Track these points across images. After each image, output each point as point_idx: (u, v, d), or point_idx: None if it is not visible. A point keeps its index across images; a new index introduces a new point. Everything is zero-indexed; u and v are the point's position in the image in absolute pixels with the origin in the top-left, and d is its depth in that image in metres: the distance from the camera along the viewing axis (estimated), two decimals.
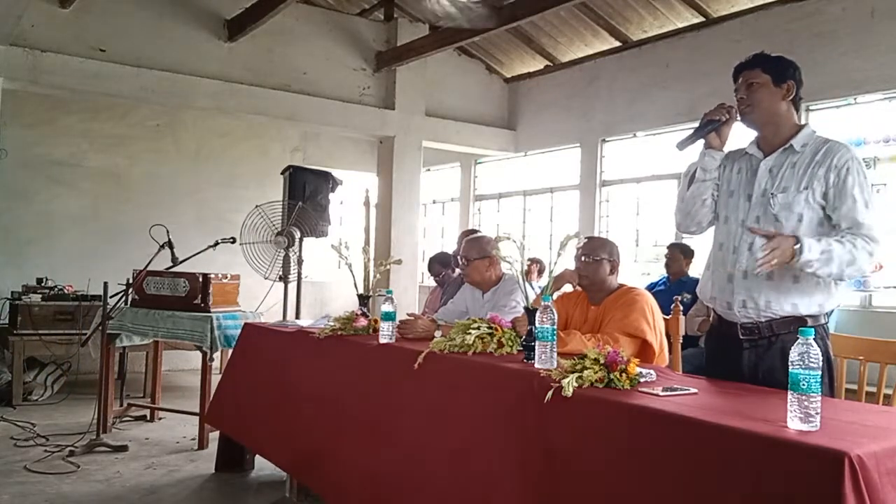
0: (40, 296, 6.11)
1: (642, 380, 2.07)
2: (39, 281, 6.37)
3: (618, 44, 6.77)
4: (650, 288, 5.29)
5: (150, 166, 7.66)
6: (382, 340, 3.04)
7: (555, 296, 2.97)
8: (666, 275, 5.71)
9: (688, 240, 5.74)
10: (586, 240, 3.17)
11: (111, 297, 4.75)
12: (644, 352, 2.80)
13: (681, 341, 3.18)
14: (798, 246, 2.11)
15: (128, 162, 7.56)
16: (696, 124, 2.49)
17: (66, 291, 6.27)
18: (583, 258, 3.05)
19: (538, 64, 7.61)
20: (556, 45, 7.23)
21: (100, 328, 4.81)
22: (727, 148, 2.50)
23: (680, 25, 6.24)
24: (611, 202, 7.02)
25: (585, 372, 2.02)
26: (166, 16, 5.88)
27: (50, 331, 5.92)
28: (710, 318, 2.61)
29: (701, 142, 2.48)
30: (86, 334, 4.91)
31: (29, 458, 4.33)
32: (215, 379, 4.57)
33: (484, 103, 7.86)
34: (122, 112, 7.38)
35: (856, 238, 2.18)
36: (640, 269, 6.72)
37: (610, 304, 2.99)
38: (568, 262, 2.91)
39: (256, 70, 6.24)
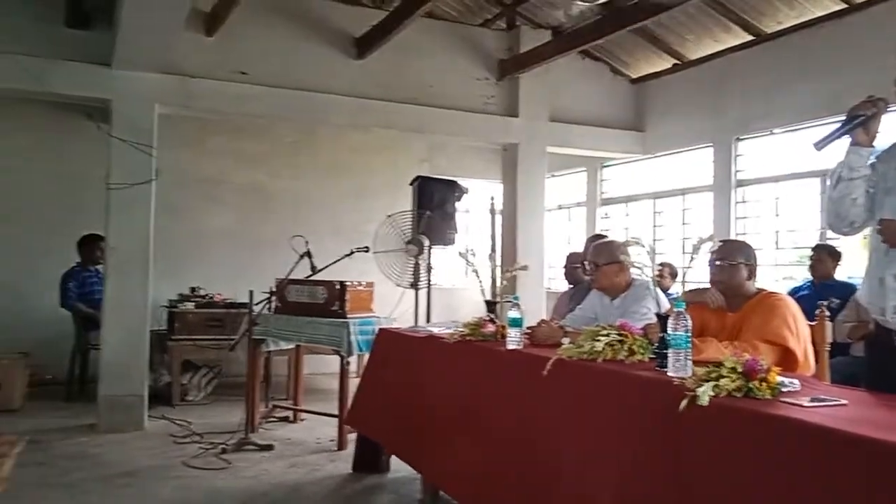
0: (193, 303, 6.63)
1: (785, 389, 1.97)
2: (193, 290, 6.91)
3: (750, 38, 6.46)
4: (793, 293, 5.01)
5: (288, 181, 8.14)
6: (510, 346, 3.06)
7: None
8: (810, 278, 5.39)
9: (834, 241, 5.40)
10: (721, 243, 3.06)
11: (256, 305, 5.09)
12: (786, 360, 2.66)
13: (828, 349, 2.98)
14: None
15: (268, 177, 8.06)
16: (839, 118, 2.35)
17: (216, 299, 6.76)
18: (718, 262, 2.95)
19: (665, 63, 7.40)
20: (684, 42, 7.00)
21: (246, 334, 5.15)
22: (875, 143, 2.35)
23: (819, 14, 5.88)
24: (747, 203, 6.69)
25: (722, 380, 1.94)
26: (301, 38, 6.22)
27: (203, 336, 6.40)
28: (871, 326, 2.45)
29: (844, 139, 2.34)
30: (234, 339, 5.27)
31: (186, 454, 4.70)
32: (353, 382, 4.78)
33: (609, 106, 7.72)
34: (262, 131, 7.89)
35: None
36: (780, 272, 6.37)
37: (748, 310, 2.87)
38: (701, 266, 2.82)
39: (385, 85, 6.47)
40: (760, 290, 2.96)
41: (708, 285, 3.06)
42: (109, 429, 5.26)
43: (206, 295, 6.86)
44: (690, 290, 2.93)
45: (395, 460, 4.31)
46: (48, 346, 6.53)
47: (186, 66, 5.71)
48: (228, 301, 6.73)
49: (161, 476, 4.26)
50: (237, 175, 7.92)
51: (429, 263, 4.92)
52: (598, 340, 2.56)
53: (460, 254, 4.13)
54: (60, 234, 6.70)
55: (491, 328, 3.36)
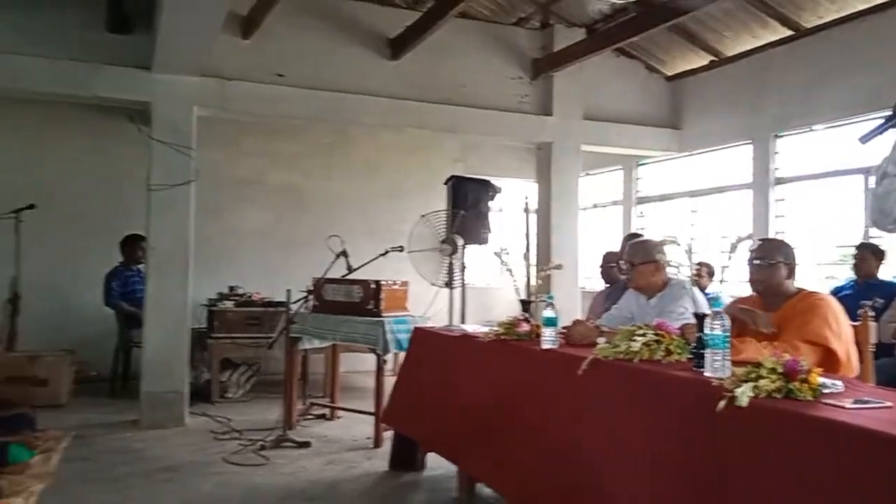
0: (232, 302, 6.74)
1: (826, 391, 1.94)
2: (231, 289, 7.02)
3: (789, 33, 6.35)
4: (835, 292, 4.92)
5: (323, 181, 8.23)
6: (545, 346, 3.07)
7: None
8: (853, 277, 5.29)
9: (877, 239, 5.29)
10: (760, 242, 3.03)
11: (293, 303, 5.15)
12: (828, 361, 2.61)
13: (872, 350, 2.91)
14: None
15: (304, 178, 8.16)
16: (881, 114, 2.30)
17: (254, 298, 6.86)
18: (756, 262, 2.91)
19: (702, 60, 7.30)
20: (721, 39, 6.91)
21: (284, 332, 5.22)
22: None
23: (861, 7, 5.75)
24: (787, 201, 6.58)
25: (762, 381, 1.92)
26: (336, 40, 6.28)
27: (241, 334, 6.50)
28: None
29: (889, 133, 2.29)
30: (272, 338, 5.35)
31: (226, 450, 4.78)
32: (388, 380, 4.82)
33: (645, 103, 7.66)
34: (297, 132, 7.98)
35: None
36: (822, 272, 6.25)
37: (788, 310, 2.83)
38: (739, 265, 2.79)
39: (419, 86, 6.50)
40: (800, 290, 2.91)
41: (749, 290, 3.02)
42: (151, 425, 5.38)
43: (245, 294, 6.97)
44: (739, 307, 2.88)
45: (431, 458, 4.34)
46: (93, 344, 6.70)
47: (224, 69, 5.81)
48: (266, 300, 6.83)
49: (201, 472, 4.35)
50: (273, 176, 8.03)
51: (463, 263, 4.93)
52: (635, 340, 2.56)
53: (494, 253, 4.15)
54: (104, 234, 6.87)
55: (525, 327, 3.37)
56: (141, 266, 6.38)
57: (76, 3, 5.45)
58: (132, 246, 6.64)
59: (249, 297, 6.91)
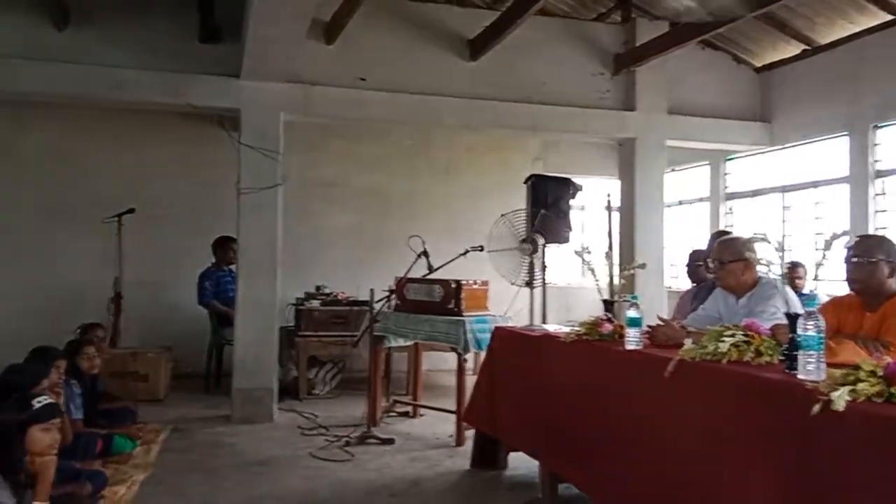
0: (318, 301, 6.91)
1: None
2: (318, 288, 7.20)
3: (889, 17, 6.00)
4: None
5: (405, 182, 8.35)
6: (629, 347, 3.02)
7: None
8: None
9: None
10: (858, 239, 2.89)
11: (377, 303, 5.25)
12: None
13: None
14: None
15: (386, 179, 8.29)
16: None
17: (339, 297, 7.02)
18: (855, 259, 2.79)
19: (793, 49, 7.00)
20: (814, 26, 6.60)
21: (368, 331, 5.33)
22: None
23: None
24: (888, 195, 6.23)
25: (860, 385, 1.84)
26: (416, 43, 6.35)
27: (327, 332, 6.66)
28: None
29: None
30: (357, 336, 5.46)
31: (313, 445, 4.92)
32: (469, 379, 4.84)
33: (732, 96, 7.40)
34: (380, 134, 8.13)
35: None
36: None
37: (889, 310, 2.70)
38: (836, 264, 2.67)
39: (498, 85, 6.49)
40: None
41: (846, 289, 2.89)
42: (242, 420, 5.59)
43: (330, 293, 7.14)
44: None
45: (513, 458, 4.33)
46: (188, 341, 7.02)
47: (309, 75, 5.97)
48: (351, 299, 6.98)
49: (290, 466, 4.49)
50: (356, 178, 8.20)
51: (543, 262, 4.90)
52: (723, 341, 2.48)
53: (576, 252, 4.11)
54: (197, 236, 7.18)
55: (608, 328, 3.32)
56: (232, 266, 6.63)
57: (170, 17, 5.73)
58: (224, 247, 6.90)
59: (335, 296, 7.07)
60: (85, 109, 7.00)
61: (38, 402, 3.07)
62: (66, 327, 5.43)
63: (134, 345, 6.70)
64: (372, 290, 5.35)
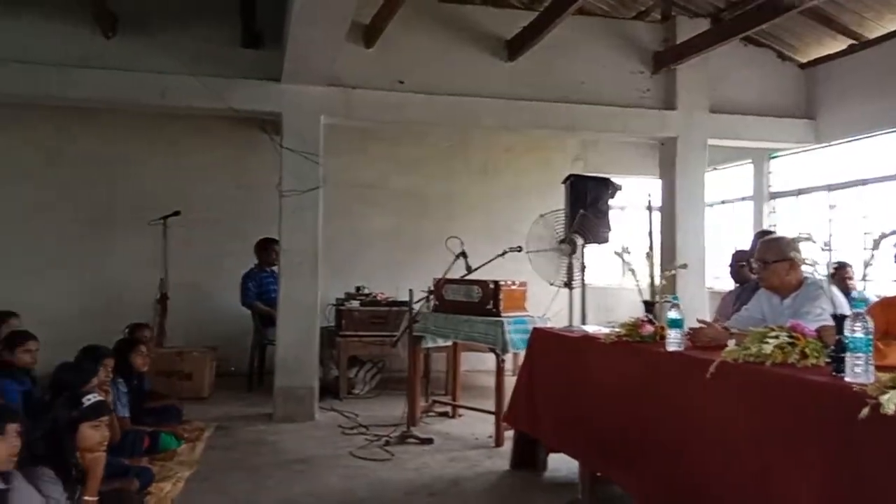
0: (358, 302, 6.98)
1: None
2: (358, 289, 7.28)
3: None
4: None
5: (443, 183, 8.38)
6: (670, 348, 3.00)
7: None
8: None
9: None
10: None
11: (416, 303, 5.28)
12: None
13: None
14: None
15: (424, 181, 8.33)
16: None
17: (378, 298, 7.08)
18: None
19: (840, 44, 6.83)
20: (862, 20, 6.43)
21: (407, 331, 5.36)
22: None
23: None
24: None
25: None
26: (453, 44, 6.37)
27: (367, 333, 6.72)
28: None
29: None
30: (396, 336, 5.50)
31: (353, 444, 4.97)
32: (508, 380, 4.84)
33: (776, 93, 7.25)
34: (418, 136, 8.18)
35: None
36: None
37: None
38: (885, 264, 2.61)
39: (536, 85, 6.47)
40: None
41: None
42: (284, 418, 5.67)
43: (370, 294, 7.20)
44: None
45: (552, 459, 4.32)
46: (231, 341, 7.15)
47: (348, 78, 6.03)
48: (390, 299, 7.02)
49: (331, 464, 4.54)
50: (395, 179, 8.25)
51: (582, 262, 4.87)
52: (767, 342, 2.45)
53: (616, 252, 4.08)
54: (240, 238, 7.31)
55: (649, 329, 3.30)
56: (274, 268, 6.72)
57: (213, 23, 5.84)
58: (266, 249, 7.01)
59: (374, 296, 7.13)
60: (129, 115, 7.19)
61: (88, 399, 3.16)
62: (114, 327, 5.57)
63: (179, 344, 6.84)
64: (411, 291, 5.38)
